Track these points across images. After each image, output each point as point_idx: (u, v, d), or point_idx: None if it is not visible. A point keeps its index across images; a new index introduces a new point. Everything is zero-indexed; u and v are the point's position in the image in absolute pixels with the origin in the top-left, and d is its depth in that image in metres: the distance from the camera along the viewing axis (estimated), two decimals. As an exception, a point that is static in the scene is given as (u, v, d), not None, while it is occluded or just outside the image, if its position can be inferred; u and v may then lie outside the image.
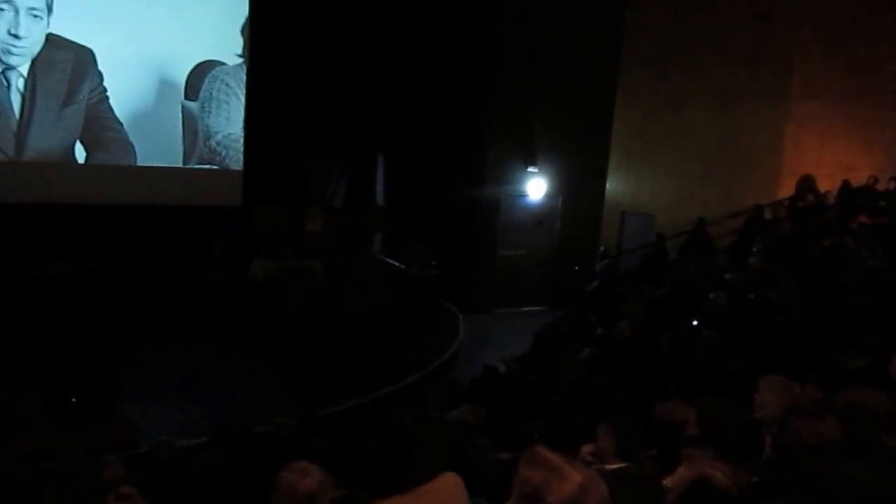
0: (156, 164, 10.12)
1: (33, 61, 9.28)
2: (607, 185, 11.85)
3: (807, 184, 11.19)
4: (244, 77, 10.56)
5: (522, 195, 11.13)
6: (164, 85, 10.06)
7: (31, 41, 9.23)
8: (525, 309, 11.07)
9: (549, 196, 11.30)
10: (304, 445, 4.42)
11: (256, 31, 10.46)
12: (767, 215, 10.76)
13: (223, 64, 10.41)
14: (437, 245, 10.88)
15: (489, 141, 10.84)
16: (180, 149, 10.28)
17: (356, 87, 11.08)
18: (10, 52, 9.11)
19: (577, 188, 11.41)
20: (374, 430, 4.36)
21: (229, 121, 10.53)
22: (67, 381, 5.67)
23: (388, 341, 8.92)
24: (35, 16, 9.21)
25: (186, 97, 10.22)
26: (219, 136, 10.50)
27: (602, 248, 11.87)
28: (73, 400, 5.63)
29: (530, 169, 11.00)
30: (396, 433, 2.53)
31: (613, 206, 12.05)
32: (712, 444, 2.84)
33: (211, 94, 10.37)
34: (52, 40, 9.35)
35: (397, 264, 10.90)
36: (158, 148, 10.13)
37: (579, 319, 7.77)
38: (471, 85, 10.91)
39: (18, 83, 9.23)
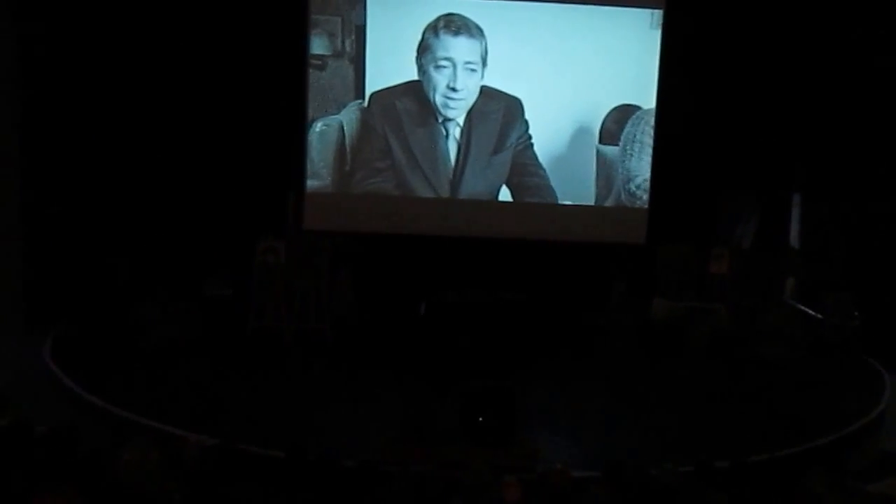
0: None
1: (469, 112, 10.33)
2: None
3: None
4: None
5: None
6: (581, 130, 10.46)
7: (467, 93, 10.28)
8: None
9: None
10: (702, 496, 4.20)
11: (668, 72, 10.42)
12: None
13: (640, 107, 10.52)
14: (861, 292, 9.71)
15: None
16: (593, 193, 10.60)
17: (772, 123, 10.47)
18: (448, 105, 10.26)
19: None
20: (781, 492, 4.00)
21: (651, 164, 10.59)
22: (476, 401, 6.11)
23: (798, 396, 8.17)
24: (471, 70, 10.26)
25: (601, 141, 10.52)
26: (639, 180, 10.60)
27: None
28: (481, 419, 6.05)
29: None
30: (809, 499, 2.27)
31: None
32: None
33: (634, 136, 10.54)
34: (485, 92, 10.32)
35: (812, 312, 9.96)
36: (573, 192, 10.57)
37: None
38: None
39: (455, 132, 10.35)
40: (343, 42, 10.18)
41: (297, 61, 10.16)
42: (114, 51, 9.64)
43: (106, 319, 9.21)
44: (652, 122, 10.48)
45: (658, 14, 10.34)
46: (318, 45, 10.18)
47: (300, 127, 10.24)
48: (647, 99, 10.47)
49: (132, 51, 9.71)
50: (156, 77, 9.84)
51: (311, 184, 10.34)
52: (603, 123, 10.47)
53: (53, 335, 8.79)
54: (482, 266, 9.94)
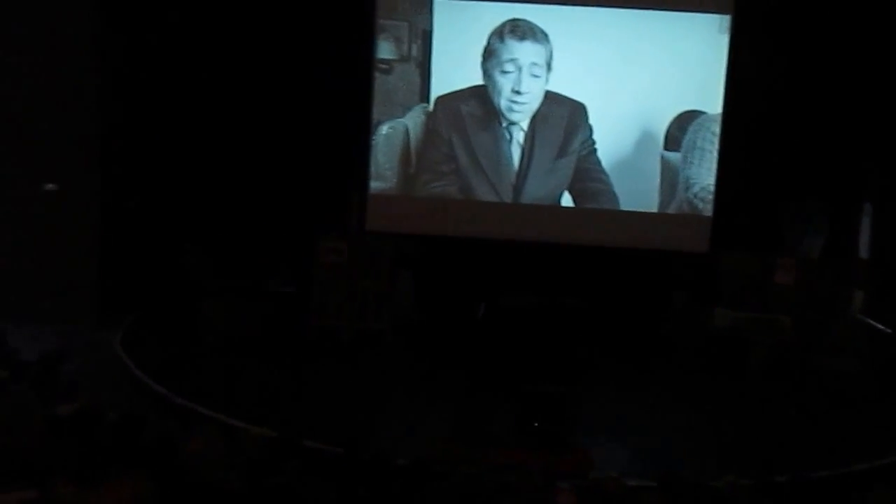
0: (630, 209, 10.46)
1: (533, 117, 10.31)
2: None
3: None
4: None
5: None
6: (645, 136, 10.32)
7: (531, 97, 10.26)
8: None
9: None
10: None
11: (735, 77, 10.22)
12: None
13: (704, 113, 10.31)
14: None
15: None
16: (657, 200, 10.45)
17: (842, 129, 10.18)
18: (512, 110, 10.26)
19: None
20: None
21: (711, 171, 10.33)
22: (532, 406, 6.13)
23: (863, 412, 7.96)
24: (535, 75, 10.23)
25: (666, 147, 10.37)
26: (696, 188, 10.40)
27: None
28: (536, 424, 6.07)
29: None
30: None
31: None
32: None
33: (695, 143, 10.33)
34: (549, 97, 10.27)
35: (882, 327, 9.68)
36: (637, 199, 10.43)
37: None
38: None
39: (519, 137, 10.34)
40: (409, 46, 10.30)
41: (363, 65, 10.31)
42: (188, 53, 9.96)
43: (175, 313, 9.51)
44: (714, 128, 10.26)
45: (726, 19, 10.17)
46: (385, 50, 10.32)
47: (365, 129, 10.39)
48: (713, 104, 10.26)
49: (205, 53, 10.02)
50: (228, 79, 10.14)
51: (376, 185, 10.48)
52: (668, 129, 10.30)
53: (125, 326, 9.12)
54: (542, 271, 9.93)
